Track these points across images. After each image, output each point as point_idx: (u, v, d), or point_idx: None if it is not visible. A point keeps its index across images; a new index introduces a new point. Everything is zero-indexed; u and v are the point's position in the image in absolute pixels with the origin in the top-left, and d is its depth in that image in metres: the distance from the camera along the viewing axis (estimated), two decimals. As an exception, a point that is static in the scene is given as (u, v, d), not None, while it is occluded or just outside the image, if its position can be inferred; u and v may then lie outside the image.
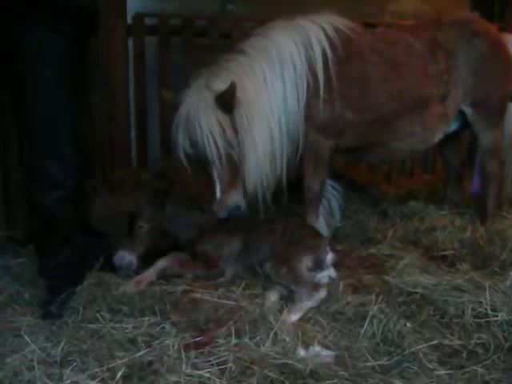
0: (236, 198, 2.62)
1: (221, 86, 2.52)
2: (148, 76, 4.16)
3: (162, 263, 2.41)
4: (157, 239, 2.51)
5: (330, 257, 2.38)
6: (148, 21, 4.15)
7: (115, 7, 4.00)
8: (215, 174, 2.58)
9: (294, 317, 2.08)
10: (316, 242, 2.41)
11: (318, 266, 2.32)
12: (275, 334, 1.88)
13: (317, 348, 1.89)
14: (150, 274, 2.37)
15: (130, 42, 4.15)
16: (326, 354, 1.87)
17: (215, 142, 2.48)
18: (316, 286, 2.19)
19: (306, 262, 2.28)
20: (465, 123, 3.16)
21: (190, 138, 2.54)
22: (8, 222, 2.68)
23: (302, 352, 1.85)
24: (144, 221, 2.48)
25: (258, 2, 4.42)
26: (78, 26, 2.19)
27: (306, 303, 2.14)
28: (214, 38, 4.13)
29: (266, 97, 2.61)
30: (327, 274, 2.35)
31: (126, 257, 2.42)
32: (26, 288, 2.34)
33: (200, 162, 2.61)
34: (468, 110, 3.08)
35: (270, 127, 2.62)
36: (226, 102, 2.49)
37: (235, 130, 2.54)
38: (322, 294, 2.18)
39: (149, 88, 4.16)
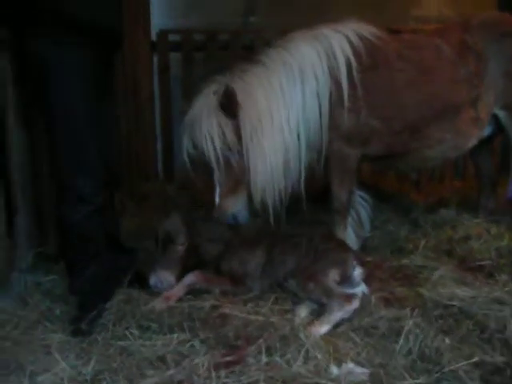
0: (234, 207, 2.61)
1: None
2: (173, 91, 4.20)
3: (189, 279, 2.39)
4: (190, 257, 2.47)
5: (358, 272, 2.31)
6: (172, 37, 4.20)
7: (139, 25, 4.07)
8: (215, 177, 2.60)
9: (324, 329, 2.03)
10: (342, 255, 2.36)
11: (346, 280, 2.27)
12: (306, 351, 1.83)
13: (350, 365, 1.83)
14: (179, 289, 2.35)
15: (155, 58, 4.22)
16: (360, 372, 1.80)
17: (213, 144, 2.51)
18: (348, 297, 2.14)
19: (332, 275, 2.23)
20: (498, 127, 3.05)
21: (192, 140, 2.59)
22: (41, 238, 2.72)
23: (335, 370, 1.79)
24: (182, 241, 2.44)
25: (280, 13, 4.41)
26: (102, 42, 2.22)
27: (337, 314, 2.08)
28: (236, 51, 4.14)
29: (282, 108, 2.59)
30: (360, 290, 2.28)
31: (167, 278, 2.36)
32: (58, 305, 2.36)
33: (204, 167, 2.64)
34: (501, 114, 2.97)
35: (285, 139, 2.60)
36: (228, 105, 2.50)
37: (238, 136, 2.54)
38: (355, 305, 2.12)
39: (174, 103, 4.20)
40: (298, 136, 2.63)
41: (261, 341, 1.88)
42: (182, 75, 4.18)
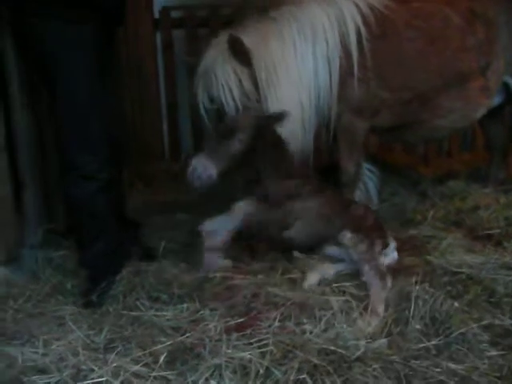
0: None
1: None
2: (177, 68, 4.16)
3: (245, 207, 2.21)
4: (236, 164, 2.17)
5: (393, 244, 2.32)
6: (174, 14, 4.15)
7: (142, 2, 4.03)
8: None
9: (381, 307, 2.01)
10: (383, 228, 2.36)
11: (384, 249, 2.27)
12: (327, 321, 1.86)
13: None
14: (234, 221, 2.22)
15: (158, 36, 4.18)
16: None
17: (231, 92, 2.39)
18: (383, 275, 2.12)
19: (378, 244, 2.22)
20: (509, 96, 3.00)
21: (208, 91, 2.46)
22: (50, 215, 2.74)
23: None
24: (240, 138, 2.15)
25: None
26: (104, 16, 2.20)
27: (383, 293, 2.07)
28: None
29: (294, 63, 2.51)
30: (392, 257, 2.28)
31: (208, 168, 2.06)
32: (69, 279, 2.39)
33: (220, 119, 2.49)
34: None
35: (300, 94, 2.51)
36: (239, 52, 2.40)
37: (255, 85, 2.43)
38: (389, 282, 2.12)
39: (178, 80, 4.16)
40: (310, 98, 2.54)
41: (271, 308, 1.89)
42: (186, 52, 4.14)
